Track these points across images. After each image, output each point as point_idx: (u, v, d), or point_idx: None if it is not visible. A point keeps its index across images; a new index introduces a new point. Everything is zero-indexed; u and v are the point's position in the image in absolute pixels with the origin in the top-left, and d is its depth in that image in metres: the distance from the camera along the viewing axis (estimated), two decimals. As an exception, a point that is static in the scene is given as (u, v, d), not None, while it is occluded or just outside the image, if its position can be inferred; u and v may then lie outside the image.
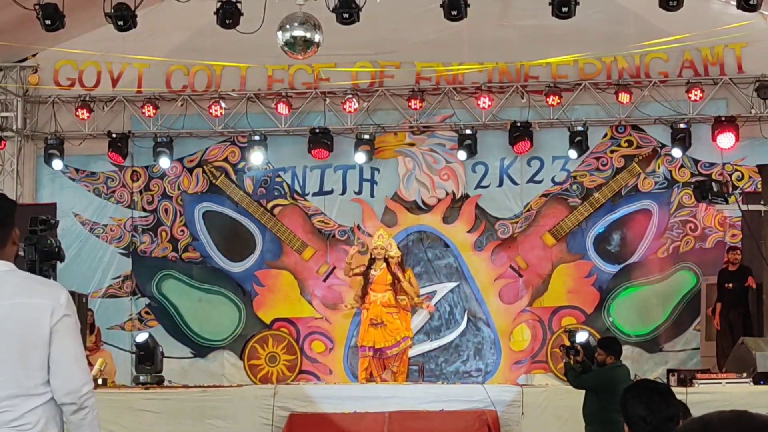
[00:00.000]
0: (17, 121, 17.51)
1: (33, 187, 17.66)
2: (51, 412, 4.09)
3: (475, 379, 16.26)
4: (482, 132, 16.96)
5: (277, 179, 17.44)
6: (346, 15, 13.72)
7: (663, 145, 16.83)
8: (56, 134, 17.25)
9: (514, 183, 17.14)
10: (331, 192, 17.38)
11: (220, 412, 12.26)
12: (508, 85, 16.95)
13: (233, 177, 17.47)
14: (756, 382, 11.92)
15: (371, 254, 14.61)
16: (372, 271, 14.43)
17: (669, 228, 16.81)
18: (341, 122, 17.12)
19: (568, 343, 10.86)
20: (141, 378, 13.42)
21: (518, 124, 16.67)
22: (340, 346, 16.97)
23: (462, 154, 16.77)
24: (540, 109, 16.88)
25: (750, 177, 16.53)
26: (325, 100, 17.14)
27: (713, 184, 14.27)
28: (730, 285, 15.10)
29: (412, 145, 17.35)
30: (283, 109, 16.88)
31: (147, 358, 13.62)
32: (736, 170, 16.64)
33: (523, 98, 16.90)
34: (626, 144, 17.04)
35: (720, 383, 12.01)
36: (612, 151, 17.03)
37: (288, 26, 13.49)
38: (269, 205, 17.40)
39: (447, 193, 17.21)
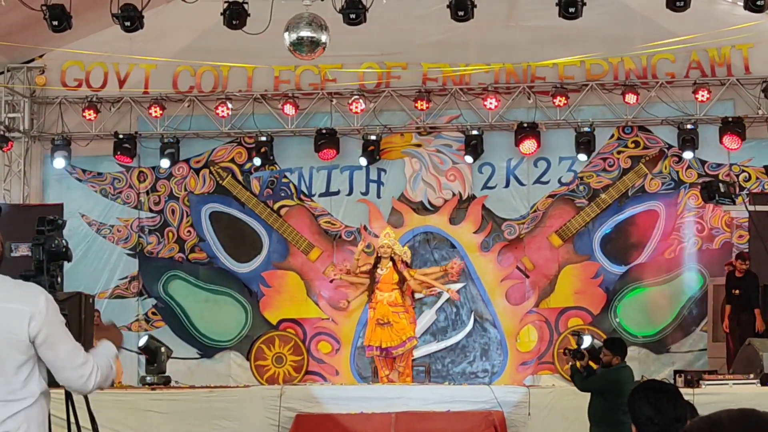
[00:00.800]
0: (24, 122, 17.53)
1: (40, 188, 17.69)
2: (33, 416, 4.06)
3: (482, 380, 16.26)
4: (489, 133, 16.96)
5: (284, 180, 17.45)
6: (352, 16, 13.73)
7: (670, 146, 16.82)
8: (63, 135, 17.28)
9: (521, 184, 17.13)
10: (337, 193, 17.38)
11: (226, 413, 12.27)
12: (514, 85, 16.93)
13: (240, 178, 17.48)
14: (763, 383, 11.90)
15: (377, 253, 14.62)
16: (378, 270, 14.46)
17: (676, 229, 16.79)
18: (348, 123, 17.12)
19: (574, 346, 10.78)
20: (147, 378, 13.43)
21: (525, 125, 16.66)
22: (346, 346, 16.98)
23: (469, 159, 16.77)
24: (547, 110, 16.87)
25: (757, 178, 16.51)
26: (331, 100, 17.14)
27: (720, 184, 14.26)
28: (737, 291, 15.06)
29: (419, 145, 17.35)
30: (289, 109, 16.89)
31: (151, 359, 13.64)
32: (743, 171, 16.62)
33: (529, 99, 16.89)
34: (633, 145, 17.03)
35: (727, 384, 11.99)
36: (619, 152, 17.02)
37: (295, 27, 13.50)
38: (276, 206, 17.40)
39: (453, 194, 17.20)
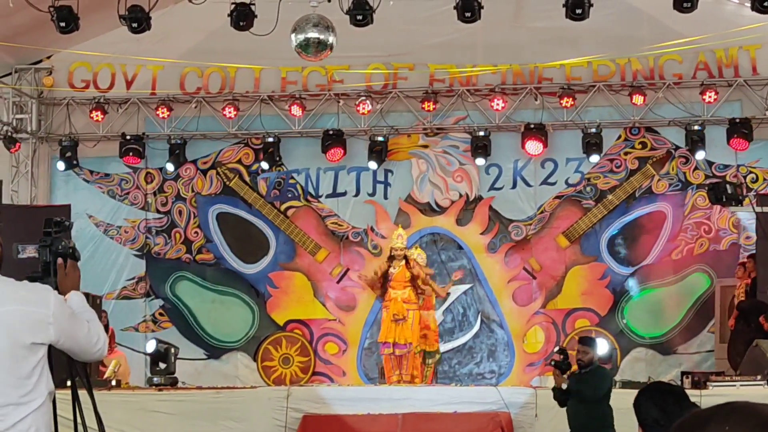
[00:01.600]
0: (32, 123, 17.56)
1: (47, 189, 17.71)
2: (40, 418, 4.10)
3: (489, 381, 16.25)
4: (496, 134, 16.96)
5: (291, 181, 17.46)
6: (359, 17, 13.73)
7: (677, 147, 16.80)
8: (71, 136, 17.30)
9: (528, 185, 17.13)
10: (344, 194, 17.39)
11: (233, 414, 12.29)
12: (521, 86, 16.93)
13: (247, 179, 17.49)
14: (771, 385, 11.89)
15: (390, 253, 14.73)
16: (391, 269, 14.56)
17: (683, 230, 16.77)
18: (355, 124, 17.13)
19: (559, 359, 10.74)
20: (155, 379, 13.45)
21: (532, 126, 16.66)
22: (353, 347, 16.98)
23: (481, 161, 16.76)
24: (553, 111, 16.86)
25: (764, 179, 16.50)
26: (338, 101, 17.15)
27: (727, 186, 14.23)
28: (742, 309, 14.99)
29: (426, 146, 17.35)
30: (296, 110, 16.90)
31: (163, 361, 13.69)
32: (751, 172, 16.60)
33: (536, 100, 16.88)
34: (640, 146, 17.01)
35: (734, 386, 11.98)
36: (626, 153, 17.01)
37: (302, 28, 13.51)
38: (283, 207, 17.42)
39: (460, 195, 17.20)
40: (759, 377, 12.11)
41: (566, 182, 17.06)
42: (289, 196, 17.45)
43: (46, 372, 4.15)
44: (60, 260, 4.57)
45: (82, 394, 5.14)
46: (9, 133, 16.97)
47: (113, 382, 13.15)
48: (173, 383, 13.43)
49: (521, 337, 16.87)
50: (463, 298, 17.02)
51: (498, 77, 16.93)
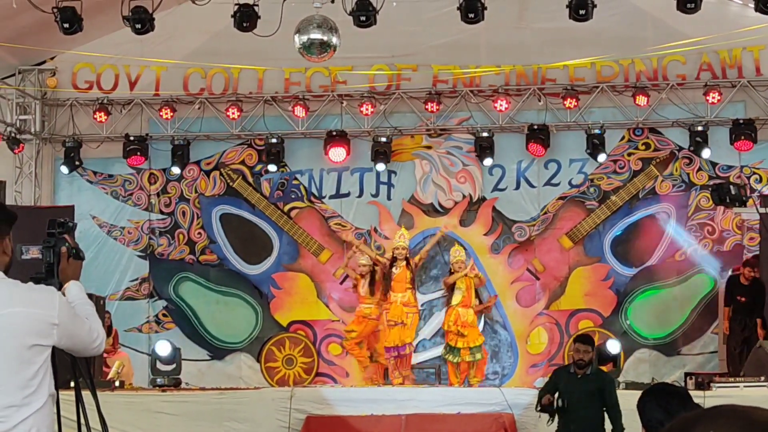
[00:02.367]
0: (35, 124, 17.57)
1: (51, 190, 17.72)
2: (42, 420, 4.11)
3: (492, 382, 16.23)
4: (499, 135, 16.95)
5: (294, 182, 17.46)
6: (363, 18, 13.73)
7: (681, 148, 16.79)
8: (74, 137, 17.31)
9: (531, 186, 17.12)
10: (348, 195, 17.39)
11: (237, 415, 12.28)
12: (525, 87, 16.92)
13: (250, 180, 17.49)
14: (774, 386, 11.88)
15: (393, 254, 14.73)
16: (393, 270, 14.58)
17: (686, 231, 16.75)
18: (358, 125, 17.13)
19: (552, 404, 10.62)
20: (158, 380, 13.46)
21: (535, 127, 16.65)
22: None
23: (489, 161, 16.74)
24: (557, 112, 16.86)
25: (768, 180, 16.49)
26: (342, 102, 17.15)
27: (731, 186, 14.20)
28: (743, 299, 14.97)
29: (429, 147, 17.34)
30: (300, 111, 16.90)
31: (175, 363, 13.73)
32: (754, 173, 16.59)
33: (540, 101, 16.88)
34: (644, 147, 17.00)
35: (738, 387, 11.96)
36: (629, 154, 17.00)
37: (305, 29, 13.52)
38: (286, 208, 17.42)
39: (464, 196, 17.20)
40: (762, 378, 12.09)
41: (570, 183, 17.05)
42: (293, 197, 17.45)
43: (49, 373, 4.16)
44: (63, 249, 4.58)
45: (86, 394, 5.14)
46: (12, 134, 16.98)
47: (117, 383, 13.15)
48: (177, 384, 13.44)
49: (525, 338, 16.86)
50: (467, 299, 16.99)
51: (501, 78, 16.93)
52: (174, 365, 13.74)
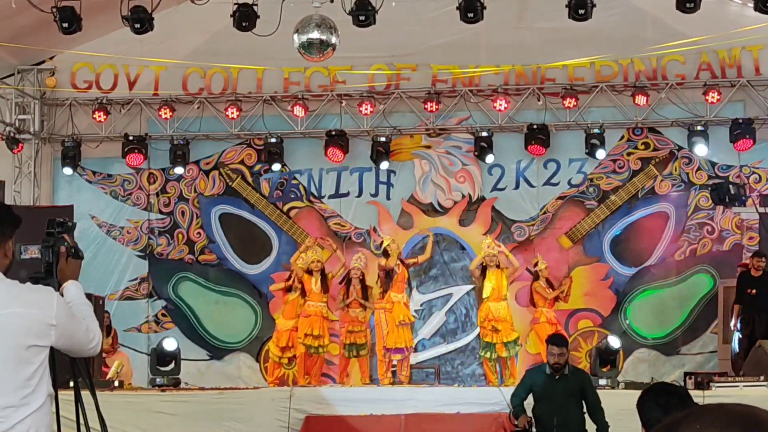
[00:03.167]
0: (34, 124, 17.56)
1: (50, 190, 17.72)
2: (40, 420, 4.11)
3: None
4: (498, 134, 16.95)
5: (293, 182, 17.46)
6: (362, 17, 13.73)
7: (680, 148, 16.79)
8: (73, 137, 17.31)
9: (531, 185, 17.12)
10: (347, 194, 17.39)
11: (236, 415, 12.28)
12: (524, 87, 16.92)
13: (249, 179, 17.49)
14: (774, 385, 11.87)
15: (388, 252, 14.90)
16: (396, 269, 14.74)
17: (686, 230, 16.76)
18: (357, 125, 17.13)
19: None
20: (157, 380, 13.46)
21: (535, 127, 16.65)
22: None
23: (491, 158, 16.73)
24: (556, 112, 16.85)
25: (767, 179, 16.48)
26: (341, 102, 17.15)
27: (730, 186, 14.24)
28: (753, 291, 14.87)
29: (428, 147, 17.34)
30: (299, 111, 16.90)
31: (174, 362, 13.72)
32: (754, 172, 16.58)
33: (539, 101, 16.87)
34: (643, 146, 17.00)
35: (737, 386, 11.96)
36: (629, 154, 17.00)
37: (304, 29, 13.51)
38: (285, 208, 17.41)
39: (463, 196, 17.19)
40: (762, 378, 12.10)
41: (569, 183, 17.05)
42: (292, 196, 17.45)
43: (47, 374, 4.16)
44: (63, 248, 4.58)
45: (85, 394, 5.13)
46: (12, 134, 16.98)
47: (116, 383, 13.15)
48: (176, 384, 13.43)
49: (524, 338, 16.84)
50: (466, 298, 17.00)
51: (501, 78, 16.93)
52: (173, 365, 13.73)
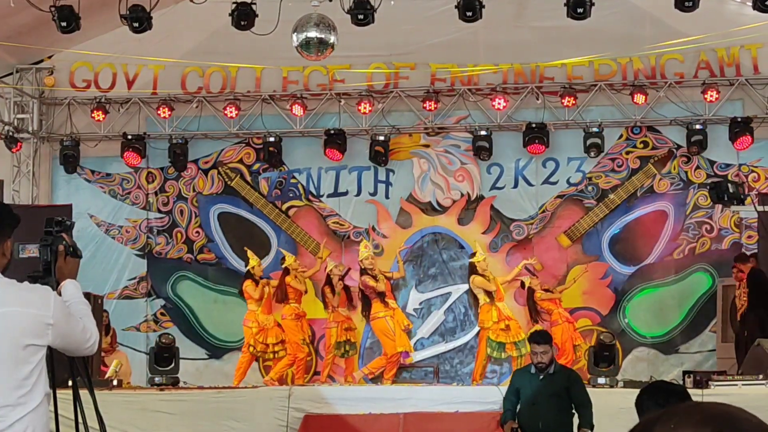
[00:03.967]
0: (33, 123, 17.56)
1: (49, 189, 17.71)
2: (38, 419, 4.11)
3: (490, 381, 16.22)
4: (497, 133, 16.95)
5: (292, 181, 17.46)
6: (360, 16, 13.73)
7: (679, 146, 16.80)
8: (72, 136, 17.30)
9: (529, 184, 17.12)
10: (345, 193, 17.38)
11: (235, 413, 12.28)
12: (523, 86, 16.92)
13: (248, 178, 17.49)
14: (772, 384, 11.86)
15: (362, 266, 14.94)
16: (380, 276, 14.78)
17: (685, 229, 16.76)
18: (356, 124, 17.12)
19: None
20: (156, 379, 13.45)
21: (533, 126, 16.64)
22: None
23: (486, 156, 16.74)
24: (555, 111, 16.85)
25: (766, 178, 16.49)
26: (339, 101, 17.14)
27: (729, 185, 14.20)
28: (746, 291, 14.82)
29: (427, 146, 17.34)
30: (298, 110, 16.89)
31: (168, 358, 13.70)
32: (753, 171, 16.59)
33: (538, 99, 16.87)
34: (642, 145, 17.00)
35: (736, 385, 11.96)
36: (627, 153, 17.00)
37: (303, 28, 13.51)
38: (284, 207, 17.42)
39: (462, 195, 17.19)
40: (761, 376, 12.09)
41: (568, 182, 17.05)
42: (291, 195, 17.45)
43: (45, 373, 4.16)
44: (61, 247, 4.58)
45: (83, 393, 5.13)
46: (10, 133, 16.98)
47: (115, 382, 13.14)
48: (175, 383, 13.43)
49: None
50: (465, 297, 17.00)
51: (499, 76, 16.93)
52: (173, 364, 13.73)
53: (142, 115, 17.50)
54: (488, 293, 14.91)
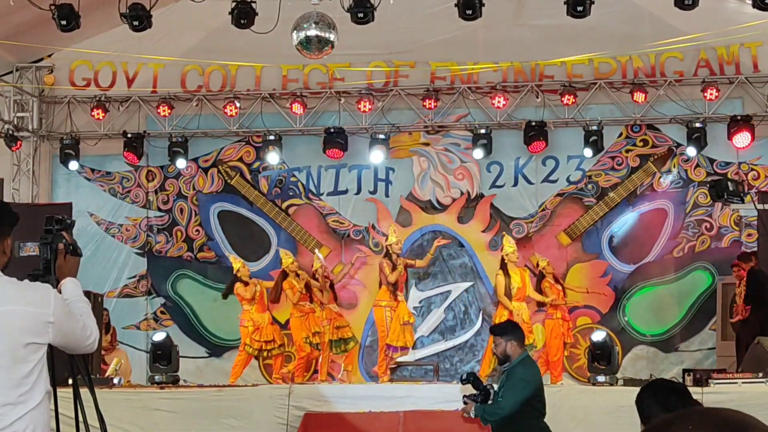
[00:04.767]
0: (33, 122, 17.56)
1: (49, 187, 17.72)
2: (38, 417, 4.11)
3: (491, 379, 16.24)
4: (497, 131, 16.95)
5: (292, 179, 17.46)
6: (360, 14, 13.72)
7: (678, 145, 16.80)
8: (72, 134, 17.31)
9: (529, 182, 17.12)
10: (345, 192, 17.39)
11: (235, 412, 12.27)
12: (522, 84, 16.92)
13: (248, 177, 17.50)
14: (772, 382, 11.86)
15: (391, 251, 14.81)
16: (399, 267, 14.75)
17: (684, 227, 16.77)
18: (356, 122, 17.12)
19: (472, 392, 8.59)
20: (156, 377, 13.45)
21: (533, 124, 16.64)
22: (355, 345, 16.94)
23: (478, 153, 16.74)
24: (555, 109, 16.85)
25: (766, 176, 16.49)
26: (339, 99, 17.14)
27: (729, 183, 14.20)
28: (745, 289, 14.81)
29: (427, 144, 17.34)
30: (297, 108, 16.89)
31: (164, 357, 13.68)
32: (752, 169, 16.59)
33: (538, 98, 16.87)
34: (641, 143, 17.00)
35: (736, 383, 11.96)
36: (627, 151, 17.00)
37: (303, 26, 13.50)
38: (284, 205, 17.42)
39: (462, 193, 17.20)
40: (761, 374, 12.09)
41: (567, 180, 17.05)
42: (291, 194, 17.45)
43: (45, 371, 4.16)
44: (61, 245, 4.59)
45: (84, 392, 5.13)
46: (10, 132, 16.97)
47: (115, 380, 13.15)
48: (175, 381, 13.43)
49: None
50: (465, 296, 17.01)
51: (499, 75, 16.93)
52: (170, 363, 13.72)
53: (142, 113, 17.50)
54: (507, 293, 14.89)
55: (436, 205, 17.23)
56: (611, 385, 12.76)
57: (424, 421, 12.12)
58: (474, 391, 8.45)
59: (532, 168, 17.11)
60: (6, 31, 15.33)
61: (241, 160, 17.54)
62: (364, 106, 16.80)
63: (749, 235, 16.39)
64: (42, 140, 17.71)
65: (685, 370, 13.35)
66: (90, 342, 4.33)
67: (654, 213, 16.88)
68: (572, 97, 16.51)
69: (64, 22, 13.82)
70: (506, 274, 14.80)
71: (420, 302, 16.92)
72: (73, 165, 17.21)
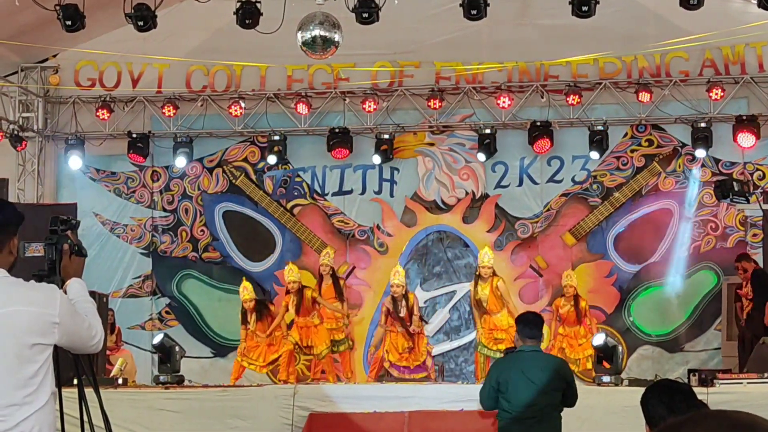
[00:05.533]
0: (38, 122, 17.57)
1: (54, 188, 17.73)
2: (44, 418, 4.11)
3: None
4: (502, 131, 16.94)
5: (297, 179, 17.47)
6: (365, 15, 13.72)
7: (684, 145, 16.77)
8: (77, 134, 17.32)
9: (534, 183, 17.10)
10: (350, 192, 17.39)
11: (240, 412, 12.28)
12: (527, 84, 16.91)
13: (253, 177, 17.50)
14: (778, 382, 11.84)
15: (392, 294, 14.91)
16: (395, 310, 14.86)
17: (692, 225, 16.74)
18: (361, 122, 17.12)
19: None
20: (161, 378, 13.45)
21: (538, 124, 16.63)
22: (359, 345, 16.95)
23: (482, 156, 16.75)
24: (560, 109, 16.84)
25: (771, 176, 16.47)
26: (344, 99, 17.14)
27: (734, 183, 14.19)
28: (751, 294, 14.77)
29: (432, 144, 17.34)
30: (302, 109, 16.89)
31: (166, 358, 13.68)
32: (758, 169, 16.57)
33: (542, 98, 16.86)
34: (647, 143, 16.99)
35: (741, 383, 11.94)
36: (632, 151, 16.98)
37: (307, 26, 13.49)
38: (289, 205, 17.42)
39: (467, 193, 17.19)
40: (766, 375, 12.07)
41: (573, 180, 17.04)
42: (296, 194, 17.46)
43: (51, 372, 4.16)
44: (66, 246, 4.59)
45: (89, 392, 5.13)
46: (15, 132, 16.99)
47: (120, 381, 13.15)
48: (179, 381, 13.43)
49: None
50: (470, 296, 16.99)
51: (504, 75, 16.92)
52: (170, 363, 13.71)
53: (147, 113, 17.52)
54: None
55: (441, 205, 17.23)
56: (616, 385, 12.74)
57: (428, 422, 12.12)
58: None
59: (537, 168, 17.11)
60: (11, 31, 15.34)
61: (246, 160, 17.55)
62: (369, 106, 16.80)
63: (754, 235, 16.38)
64: (47, 140, 17.73)
65: (690, 371, 13.34)
66: (95, 342, 4.33)
67: (659, 213, 16.85)
68: (577, 97, 16.50)
69: (69, 23, 13.83)
70: (476, 285, 14.86)
71: (425, 302, 16.91)
72: (78, 165, 17.23)
